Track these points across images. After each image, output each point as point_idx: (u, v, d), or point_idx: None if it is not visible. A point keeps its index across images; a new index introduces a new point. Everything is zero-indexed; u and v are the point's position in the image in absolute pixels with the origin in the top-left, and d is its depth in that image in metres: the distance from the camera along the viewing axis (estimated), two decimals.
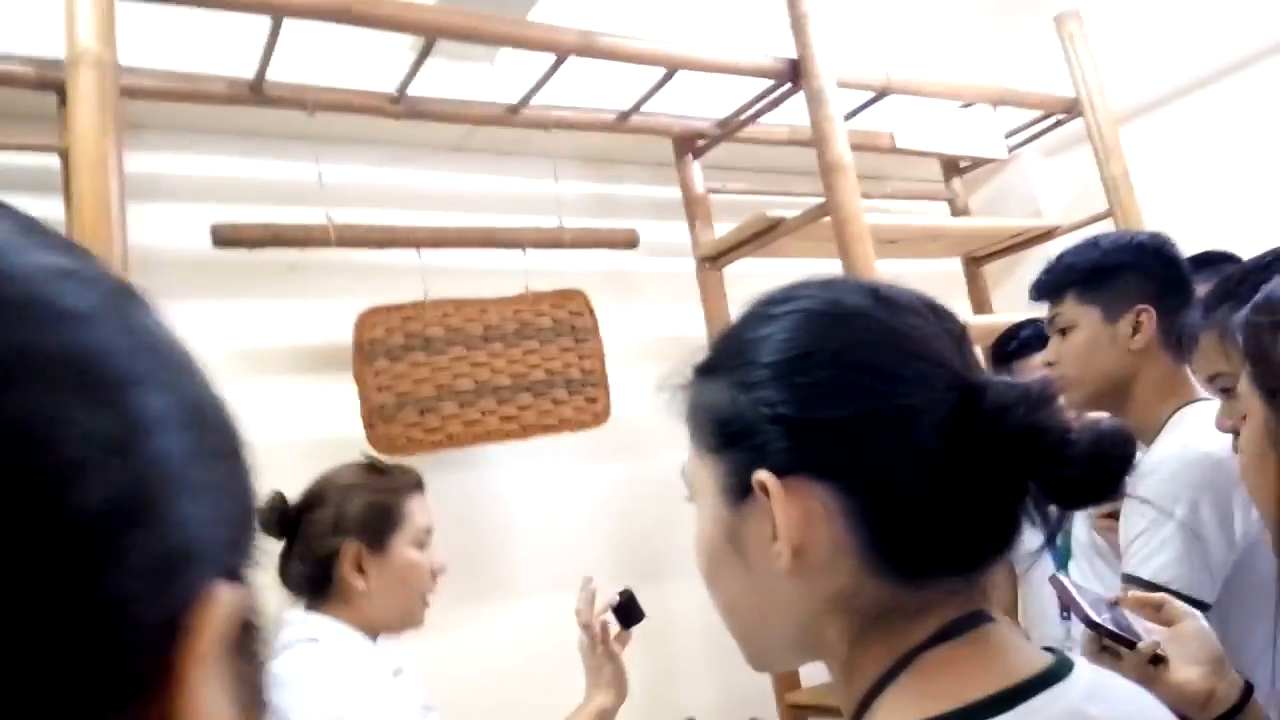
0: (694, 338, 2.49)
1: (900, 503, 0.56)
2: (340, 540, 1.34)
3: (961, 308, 3.06)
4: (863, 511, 0.56)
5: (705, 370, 0.67)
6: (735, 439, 0.61)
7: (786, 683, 2.36)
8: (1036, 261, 3.03)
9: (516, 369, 2.12)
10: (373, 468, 1.42)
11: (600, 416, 2.23)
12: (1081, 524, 1.91)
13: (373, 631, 1.37)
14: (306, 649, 1.28)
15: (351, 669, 1.28)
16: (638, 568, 2.43)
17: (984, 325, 2.50)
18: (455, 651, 2.04)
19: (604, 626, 1.55)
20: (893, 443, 0.56)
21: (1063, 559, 1.96)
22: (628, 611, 1.58)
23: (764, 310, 0.64)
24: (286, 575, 1.37)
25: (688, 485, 0.70)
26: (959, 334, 0.62)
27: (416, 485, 1.43)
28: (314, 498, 1.37)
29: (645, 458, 2.49)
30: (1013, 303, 2.90)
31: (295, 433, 1.99)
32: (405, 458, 1.93)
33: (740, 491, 0.60)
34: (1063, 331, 1.47)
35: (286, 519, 1.37)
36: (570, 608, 2.32)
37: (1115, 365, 1.42)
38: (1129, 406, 1.43)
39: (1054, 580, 1.07)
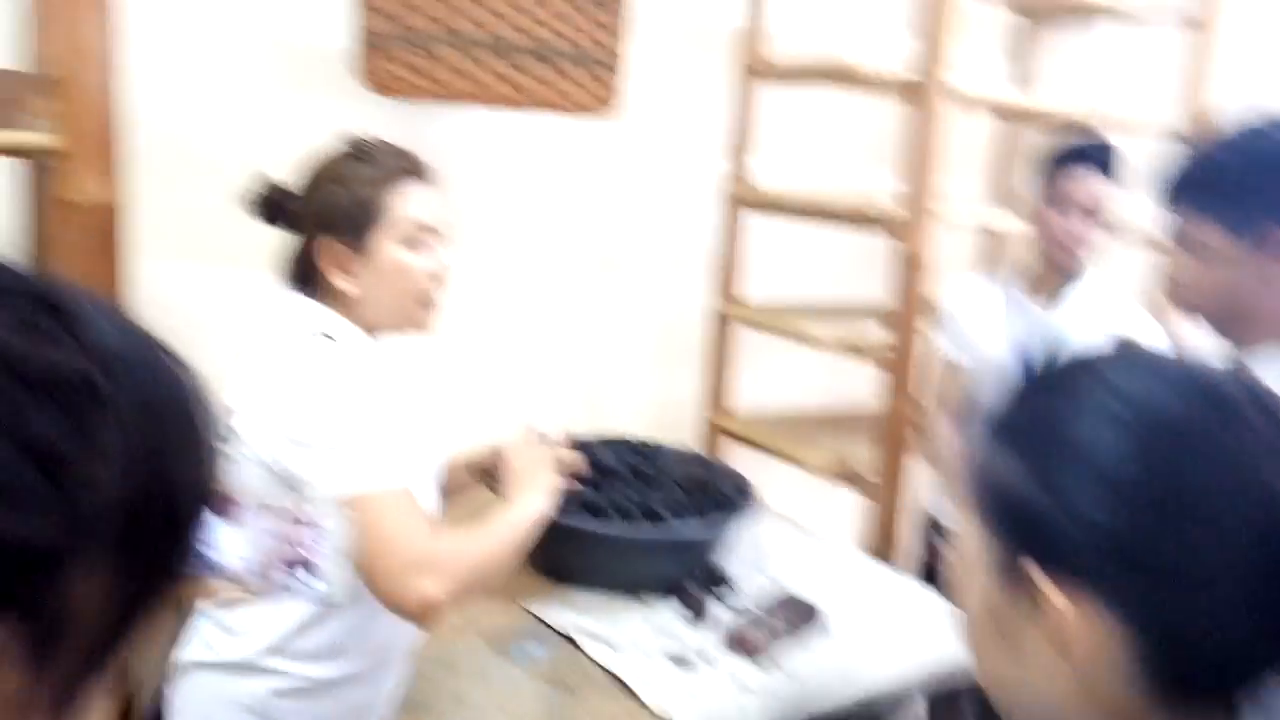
0: (729, 29, 2.35)
1: (1194, 645, 0.55)
2: (320, 237, 1.20)
3: (1003, 65, 2.90)
4: (1152, 647, 0.55)
5: (1004, 436, 0.62)
6: (1027, 532, 0.59)
7: (714, 405, 2.47)
8: (1084, 48, 2.95)
9: (525, 23, 1.94)
10: (355, 155, 1.22)
11: (603, 100, 2.09)
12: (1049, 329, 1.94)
13: (371, 332, 1.25)
14: (324, 348, 1.16)
15: (380, 379, 1.17)
16: (599, 260, 2.42)
17: (1017, 106, 2.38)
18: None
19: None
20: (1202, 587, 0.54)
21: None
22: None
23: (1079, 393, 0.59)
24: (284, 268, 1.25)
25: (961, 557, 0.65)
26: None
27: (406, 173, 1.21)
28: (304, 185, 1.22)
29: (639, 148, 2.38)
30: (1062, 88, 2.77)
31: (277, 36, 1.83)
32: (387, 103, 1.82)
33: (1016, 579, 0.59)
34: None
35: (272, 206, 1.23)
36: (532, 286, 2.35)
37: None
38: None
39: None
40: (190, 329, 1.74)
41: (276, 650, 1.14)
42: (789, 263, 2.72)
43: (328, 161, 1.21)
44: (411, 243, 1.20)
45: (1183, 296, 1.31)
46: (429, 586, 1.06)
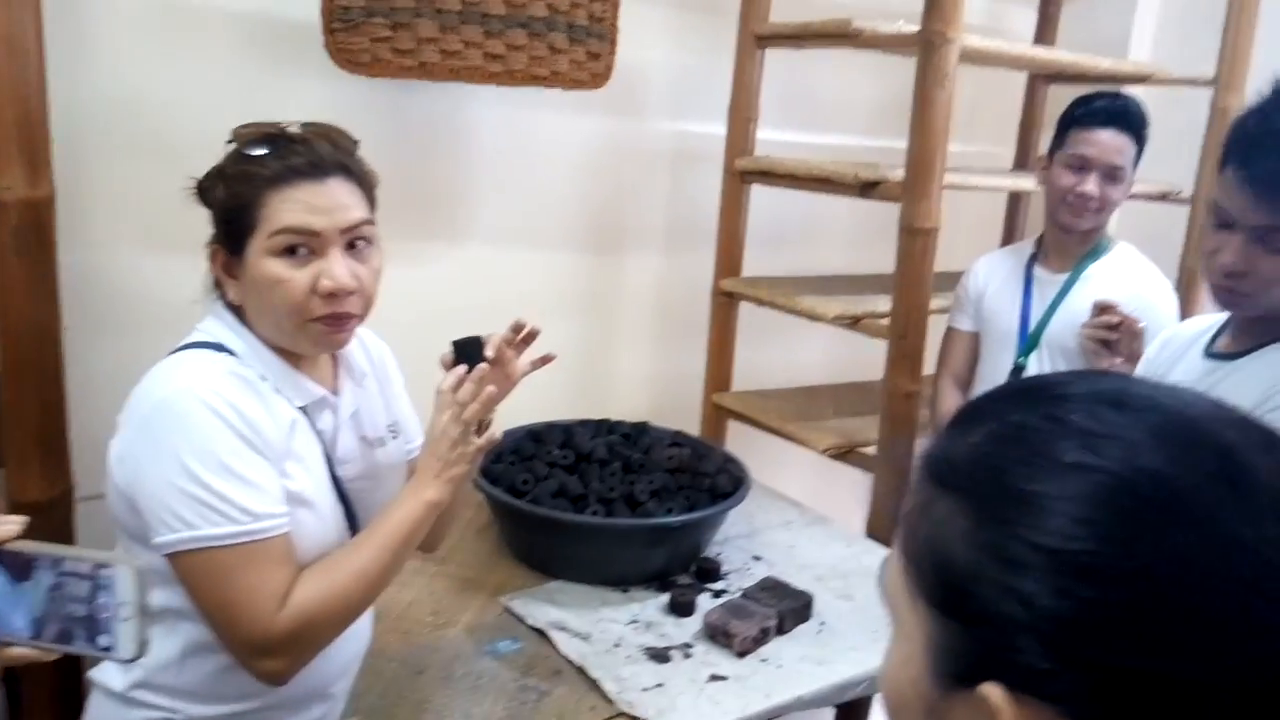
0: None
1: None
2: (212, 239, 1.11)
3: (1028, 17, 2.75)
4: None
5: (950, 486, 0.50)
6: (969, 619, 0.47)
7: (716, 382, 2.39)
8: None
9: None
10: (245, 149, 1.06)
11: (601, 77, 2.00)
12: (1060, 321, 1.85)
13: (284, 351, 1.11)
14: (184, 371, 1.03)
15: (243, 406, 1.02)
16: (598, 236, 2.35)
17: (1041, 59, 2.25)
18: (396, 284, 2.01)
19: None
20: (1181, 711, 0.43)
21: (1028, 348, 1.92)
22: (464, 349, 1.21)
23: (1052, 441, 0.47)
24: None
25: (883, 593, 0.56)
26: None
27: (301, 173, 1.04)
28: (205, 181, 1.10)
29: (635, 122, 2.32)
30: (1091, 38, 2.62)
31: (239, 9, 1.77)
32: (368, 78, 1.75)
33: (956, 673, 0.48)
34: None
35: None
36: (522, 264, 2.29)
37: None
38: None
39: None
40: (149, 323, 1.71)
41: (145, 684, 1.08)
42: (794, 235, 2.62)
43: (226, 153, 1.09)
44: (289, 253, 1.04)
45: (1245, 292, 1.19)
46: (270, 666, 1.01)
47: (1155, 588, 0.43)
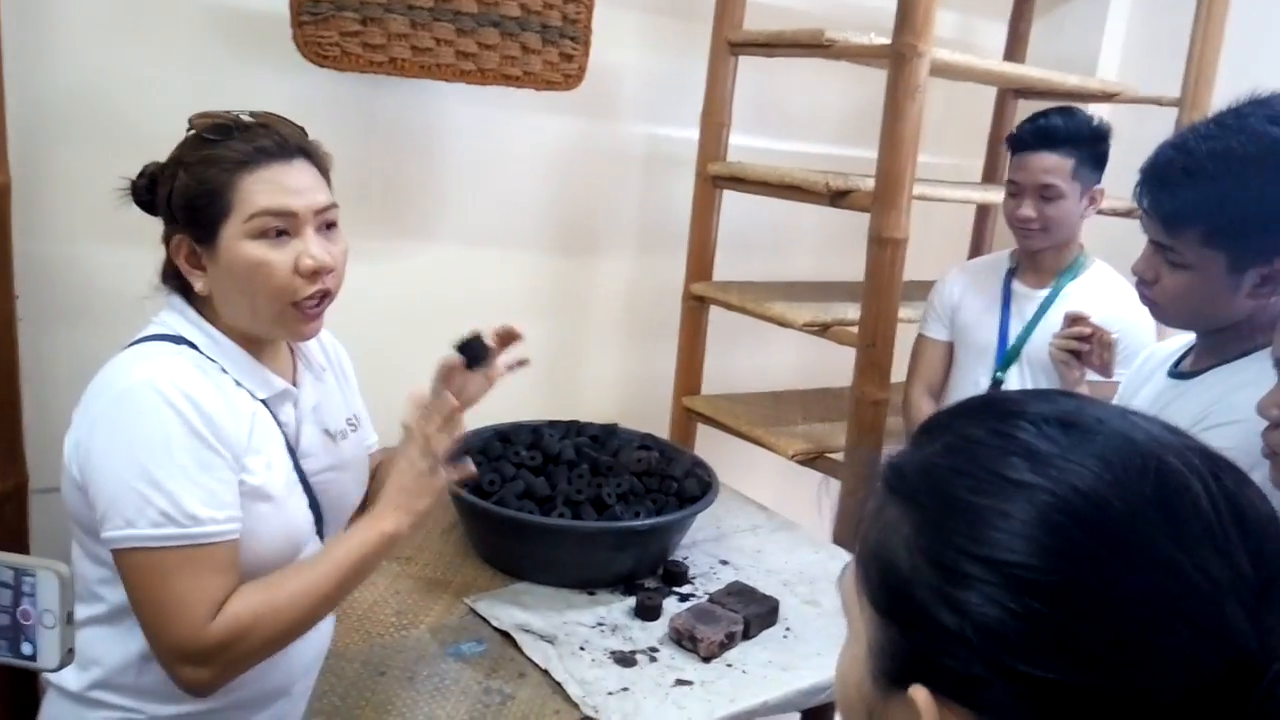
0: (704, 1, 2.26)
1: None
2: (172, 229, 1.06)
3: (998, 32, 2.79)
4: None
5: (899, 493, 0.52)
6: (906, 623, 0.49)
7: (685, 386, 2.39)
8: (1088, 14, 2.84)
9: None
10: (205, 135, 1.04)
11: (574, 78, 2.00)
12: (1040, 337, 1.87)
13: (253, 341, 1.10)
14: (138, 364, 1.01)
15: (199, 401, 0.99)
16: (569, 238, 2.35)
17: (1010, 74, 2.27)
18: (360, 281, 1.99)
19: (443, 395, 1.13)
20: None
21: (1006, 363, 1.94)
22: (472, 350, 1.24)
23: (999, 456, 0.48)
24: (162, 266, 1.10)
25: (840, 595, 0.57)
26: (1262, 554, 0.46)
27: (271, 155, 1.04)
28: (160, 169, 1.07)
29: (608, 124, 2.31)
30: (1060, 55, 2.66)
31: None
32: (337, 73, 1.74)
33: (891, 674, 0.50)
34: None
35: (146, 192, 1.08)
36: (492, 263, 2.27)
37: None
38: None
39: None
40: (105, 314, 1.68)
41: (104, 684, 1.06)
42: (764, 240, 2.63)
43: (182, 143, 1.06)
44: (269, 235, 1.03)
45: (1168, 311, 1.29)
46: (192, 675, 0.98)
47: (1083, 605, 0.44)
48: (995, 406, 0.53)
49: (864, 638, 0.52)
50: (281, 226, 1.04)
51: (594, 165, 2.33)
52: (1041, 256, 1.92)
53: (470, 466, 1.15)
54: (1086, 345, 1.66)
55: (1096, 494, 0.46)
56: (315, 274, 1.05)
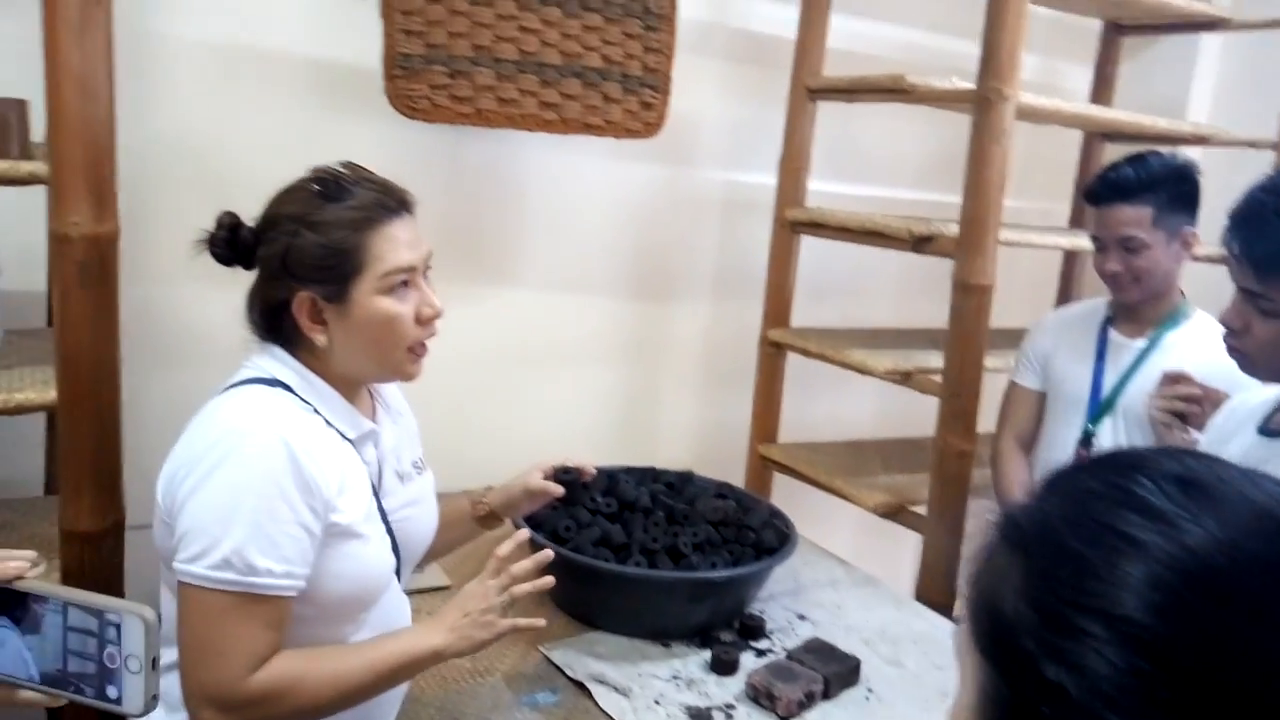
0: (781, 48, 2.26)
1: None
2: (291, 286, 1.07)
3: (1083, 76, 2.73)
4: None
5: (1013, 542, 0.51)
6: (1008, 671, 0.48)
7: (762, 433, 2.36)
8: (1178, 56, 2.76)
9: (571, 47, 1.89)
10: (326, 192, 1.06)
11: (653, 126, 2.02)
12: (1136, 389, 1.80)
13: (347, 385, 1.13)
14: (235, 412, 1.03)
15: (293, 453, 1.00)
16: (647, 284, 2.36)
17: (1098, 118, 2.22)
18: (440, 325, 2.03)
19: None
20: None
21: (1099, 414, 1.86)
22: (572, 486, 1.38)
23: (1113, 510, 0.48)
24: (249, 315, 1.12)
25: (956, 645, 0.56)
26: None
27: (392, 211, 1.08)
28: (265, 225, 1.10)
29: (686, 171, 2.33)
30: (1148, 98, 2.59)
31: (306, 49, 1.82)
32: (425, 123, 1.79)
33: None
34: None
35: (239, 245, 1.10)
36: (570, 308, 2.30)
37: None
38: None
39: None
40: (201, 358, 1.73)
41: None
42: (840, 286, 2.60)
43: (294, 199, 1.09)
44: (391, 289, 1.08)
45: (1259, 362, 1.24)
46: (212, 719, 0.99)
47: (1189, 666, 0.43)
48: (1117, 460, 0.52)
49: (971, 686, 0.52)
50: (406, 279, 1.10)
51: (672, 211, 2.34)
52: (1139, 306, 1.84)
53: (542, 624, 1.19)
54: (1196, 407, 1.58)
55: (1210, 554, 0.44)
56: (431, 321, 1.13)
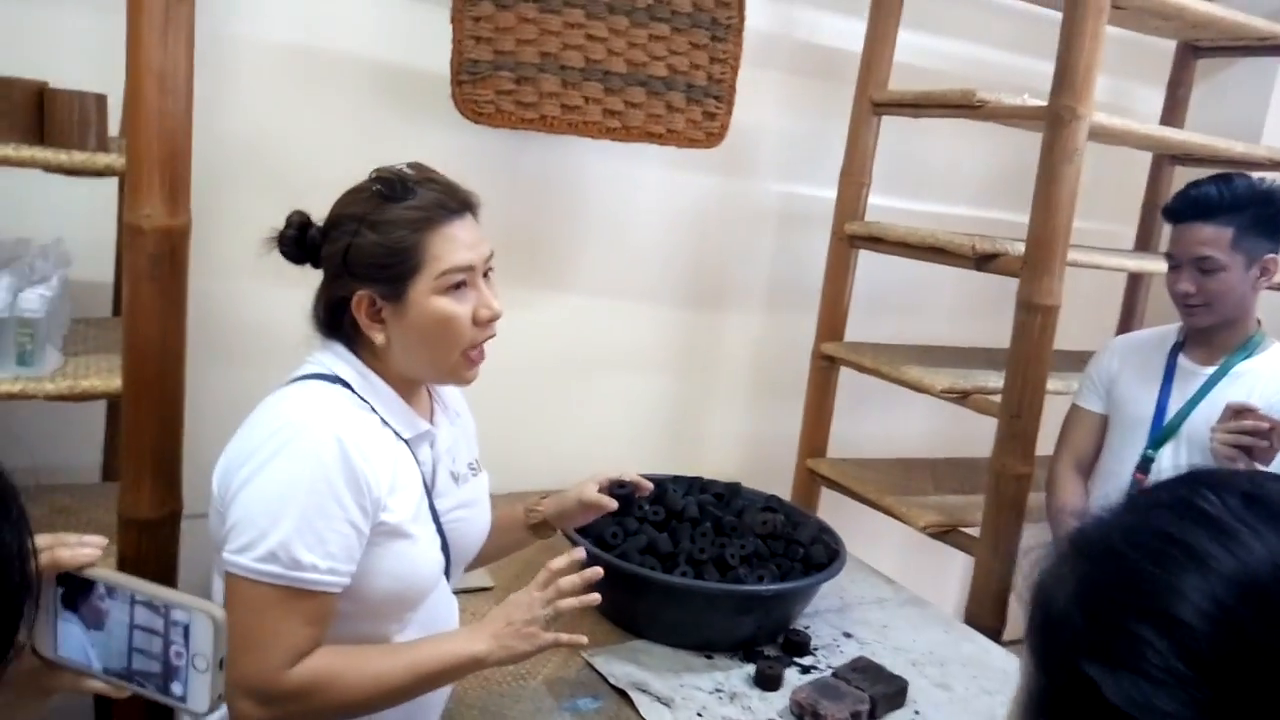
0: (845, 61, 2.25)
1: None
2: (351, 284, 1.08)
3: (1154, 97, 2.67)
4: None
5: (1077, 547, 0.52)
6: (1050, 668, 0.50)
7: (811, 447, 2.34)
8: (1253, 81, 2.69)
9: (636, 56, 1.89)
10: (387, 192, 1.07)
11: (716, 136, 2.01)
12: (1201, 416, 1.75)
13: (406, 384, 1.14)
14: (293, 407, 1.04)
15: (347, 451, 1.01)
16: (701, 293, 2.35)
17: (1171, 140, 2.16)
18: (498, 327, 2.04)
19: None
20: None
21: (1161, 439, 1.81)
22: (628, 500, 1.39)
23: (1175, 523, 0.48)
24: (315, 312, 1.14)
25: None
26: None
27: (445, 210, 1.08)
28: (329, 226, 1.11)
29: (745, 182, 2.32)
30: (1221, 121, 2.53)
31: (376, 53, 1.84)
32: (490, 128, 1.80)
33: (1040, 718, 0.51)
34: None
35: (307, 244, 1.11)
36: (624, 315, 2.30)
37: None
38: None
39: None
40: (262, 353, 1.76)
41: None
42: (895, 302, 2.57)
43: (357, 199, 1.09)
44: (450, 289, 1.08)
45: None
46: (252, 712, 0.99)
47: (1233, 681, 0.42)
48: (1190, 476, 0.52)
49: (1023, 681, 0.52)
50: (463, 280, 1.09)
51: (729, 222, 2.33)
52: (1211, 332, 1.79)
53: (581, 638, 1.17)
54: (1264, 441, 1.53)
55: (1267, 570, 0.44)
56: (490, 321, 1.12)
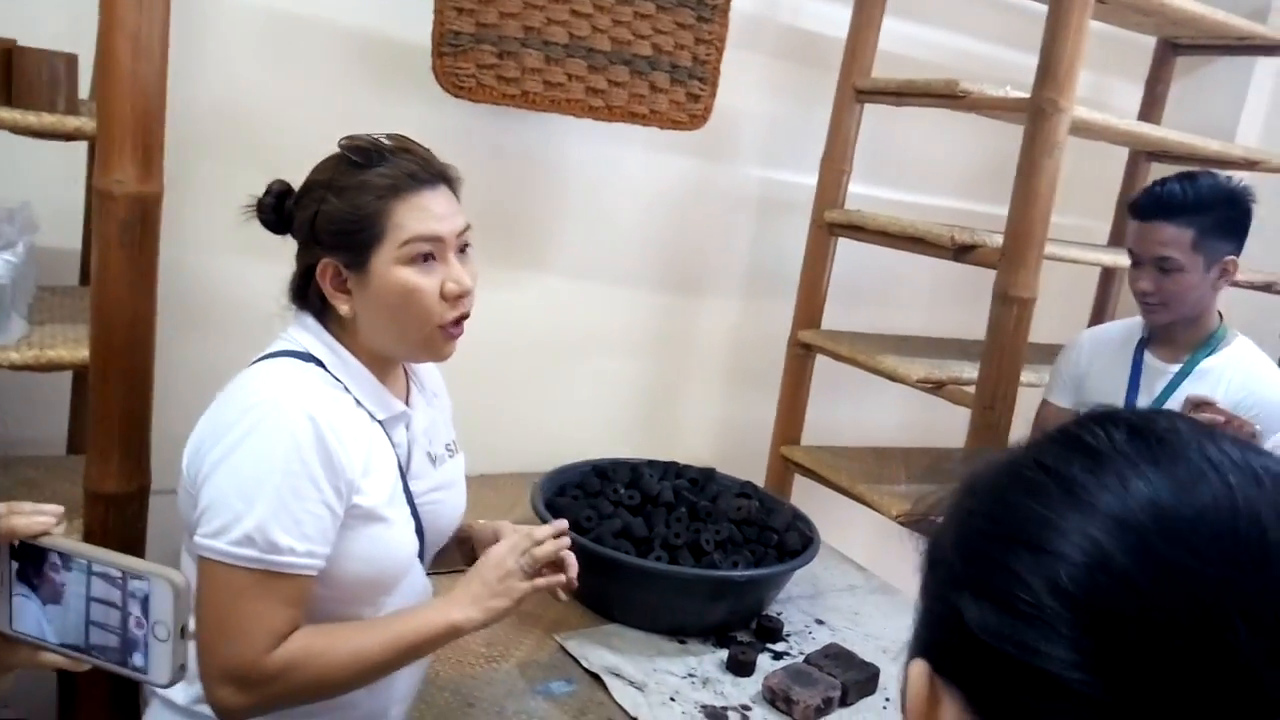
0: (829, 48, 2.24)
1: None
2: (317, 252, 1.05)
3: (1132, 93, 2.68)
4: None
5: (967, 490, 0.50)
6: (926, 599, 0.50)
7: (785, 434, 2.34)
8: (1230, 80, 2.72)
9: (621, 33, 1.87)
10: (355, 159, 1.04)
11: (699, 118, 2.00)
12: (1177, 400, 1.76)
13: (380, 362, 1.11)
14: (262, 383, 1.02)
15: (316, 428, 0.98)
16: (679, 277, 2.34)
17: (1149, 136, 2.18)
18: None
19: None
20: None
21: None
22: None
23: (1069, 457, 0.46)
24: (290, 283, 1.11)
25: None
26: None
27: (423, 182, 1.05)
28: (301, 193, 1.08)
29: (725, 166, 2.31)
30: (1197, 119, 2.55)
31: (356, 21, 1.80)
32: (470, 103, 1.77)
33: (911, 651, 0.51)
34: None
35: (284, 213, 1.08)
36: (601, 297, 2.28)
37: None
38: None
39: None
40: (235, 325, 1.73)
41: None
42: (871, 291, 2.57)
43: (328, 166, 1.07)
44: (418, 260, 1.05)
45: None
46: (231, 698, 0.97)
47: (1102, 614, 0.41)
48: (1087, 414, 0.50)
49: (913, 620, 0.53)
50: (430, 251, 1.06)
51: (708, 206, 2.32)
52: (1172, 329, 1.80)
53: (564, 580, 1.14)
54: None
55: (1144, 509, 0.42)
56: (459, 298, 1.07)
